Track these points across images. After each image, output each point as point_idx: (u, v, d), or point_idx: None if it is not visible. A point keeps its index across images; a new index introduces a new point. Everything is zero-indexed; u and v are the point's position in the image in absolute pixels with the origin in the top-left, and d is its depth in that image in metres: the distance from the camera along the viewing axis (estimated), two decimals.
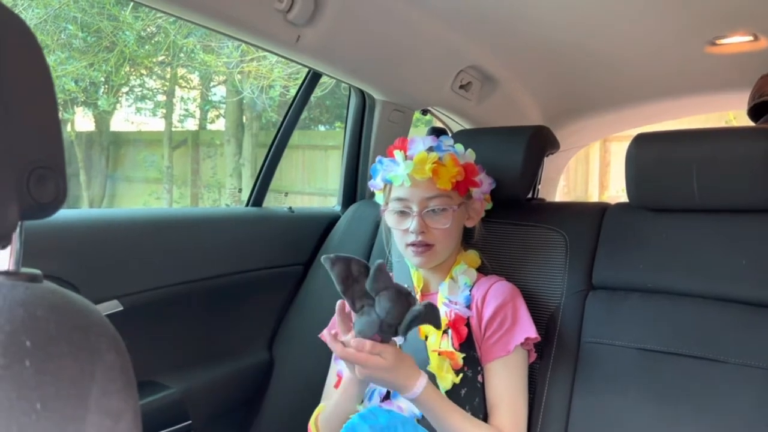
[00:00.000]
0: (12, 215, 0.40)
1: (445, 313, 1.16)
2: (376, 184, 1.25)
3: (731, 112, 4.29)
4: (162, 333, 1.34)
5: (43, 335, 0.37)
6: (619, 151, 5.57)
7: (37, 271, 0.43)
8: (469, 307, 1.17)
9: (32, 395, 0.34)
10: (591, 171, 5.94)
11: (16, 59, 0.41)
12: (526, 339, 1.12)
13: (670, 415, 1.07)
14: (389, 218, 1.22)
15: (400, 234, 1.20)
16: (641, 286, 1.20)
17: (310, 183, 6.22)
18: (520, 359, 1.14)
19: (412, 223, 1.16)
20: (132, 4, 4.50)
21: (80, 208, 5.07)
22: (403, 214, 1.19)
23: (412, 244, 1.17)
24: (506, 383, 1.11)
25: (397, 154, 1.19)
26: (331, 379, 1.24)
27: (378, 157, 1.24)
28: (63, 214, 1.20)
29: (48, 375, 0.36)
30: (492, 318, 1.14)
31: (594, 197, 5.79)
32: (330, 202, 1.87)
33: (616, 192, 5.64)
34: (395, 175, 1.18)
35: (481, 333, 1.15)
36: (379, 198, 1.27)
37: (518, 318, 1.14)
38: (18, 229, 0.42)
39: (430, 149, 1.19)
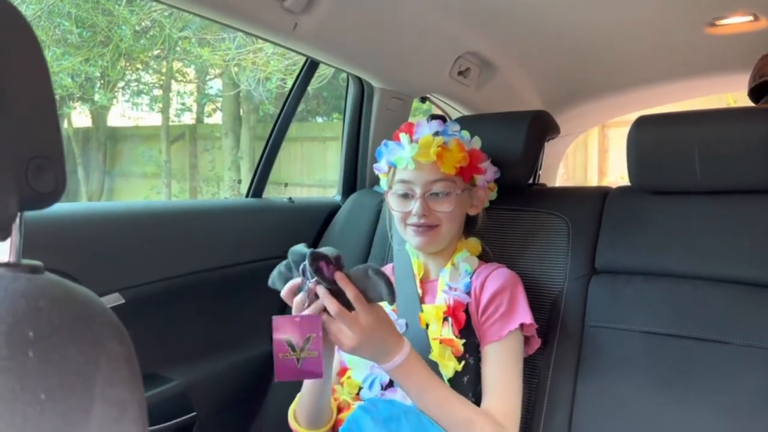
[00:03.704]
0: (11, 206, 0.40)
1: (444, 300, 1.15)
2: (380, 167, 1.25)
3: (731, 96, 4.27)
4: (164, 325, 1.34)
5: (45, 326, 0.36)
6: (617, 137, 5.56)
7: (39, 263, 0.43)
8: (468, 293, 1.16)
9: (36, 386, 0.34)
10: (590, 157, 5.93)
11: (13, 50, 0.41)
12: (521, 325, 1.11)
13: (675, 398, 1.07)
14: (392, 201, 1.22)
15: (402, 216, 1.19)
16: (644, 269, 1.20)
17: (309, 175, 6.22)
18: (514, 344, 1.11)
19: (414, 206, 1.16)
20: None
21: (81, 202, 5.05)
22: (406, 197, 1.18)
23: (413, 224, 1.16)
24: (497, 367, 1.09)
25: (403, 137, 1.19)
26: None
27: (384, 141, 1.24)
28: (63, 207, 1.19)
29: (52, 366, 0.35)
30: (488, 303, 1.13)
31: (593, 184, 5.79)
32: (329, 193, 1.87)
33: (615, 178, 5.64)
34: (400, 158, 1.18)
35: (479, 319, 1.14)
36: (382, 184, 1.27)
37: (514, 304, 1.12)
38: (18, 220, 0.42)
39: (436, 133, 1.19)
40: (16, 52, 0.41)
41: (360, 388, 1.15)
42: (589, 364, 1.17)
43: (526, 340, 1.16)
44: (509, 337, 1.10)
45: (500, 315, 1.11)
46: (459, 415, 1.01)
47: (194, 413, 1.33)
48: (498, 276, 1.17)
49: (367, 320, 0.94)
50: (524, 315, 1.11)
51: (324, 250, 0.95)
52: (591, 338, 1.19)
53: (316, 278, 0.93)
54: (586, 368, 1.17)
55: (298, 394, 1.10)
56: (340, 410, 1.15)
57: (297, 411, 1.10)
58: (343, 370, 1.19)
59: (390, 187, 1.23)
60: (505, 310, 1.11)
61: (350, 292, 0.93)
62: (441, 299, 1.16)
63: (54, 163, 0.42)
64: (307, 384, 1.06)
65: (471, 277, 1.18)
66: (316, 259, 0.93)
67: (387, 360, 0.98)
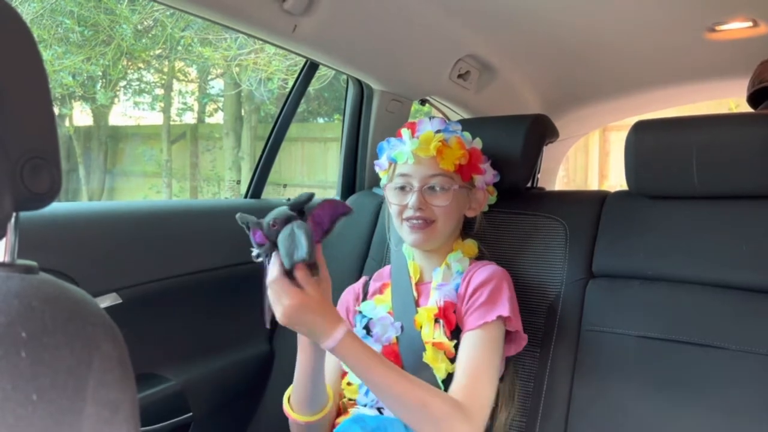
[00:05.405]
0: (6, 206, 0.40)
1: (436, 302, 1.15)
2: (381, 163, 1.26)
3: (732, 100, 4.27)
4: (162, 325, 1.34)
5: (38, 326, 0.36)
6: (618, 141, 5.56)
7: (33, 263, 0.43)
8: (458, 293, 1.16)
9: (28, 386, 0.34)
10: (590, 160, 5.93)
11: (10, 49, 0.41)
12: (501, 318, 1.09)
13: (671, 402, 1.07)
14: (390, 194, 1.22)
15: (399, 210, 1.19)
16: (641, 273, 1.20)
17: (310, 176, 6.21)
18: (492, 335, 1.08)
19: (411, 199, 1.16)
20: None
21: (79, 202, 5.06)
22: (403, 189, 1.19)
23: (410, 219, 1.16)
24: (469, 354, 1.06)
25: (404, 133, 1.20)
26: (329, 363, 1.23)
27: (386, 138, 1.25)
28: (61, 207, 1.20)
29: (44, 366, 0.35)
30: (471, 295, 1.12)
31: (594, 187, 5.78)
32: (330, 194, 1.87)
33: (616, 182, 5.64)
34: (400, 152, 1.19)
35: (462, 313, 1.13)
36: (383, 182, 1.28)
37: (495, 297, 1.10)
38: (13, 220, 0.42)
39: (438, 131, 1.20)
40: (13, 51, 0.41)
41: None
42: (585, 368, 1.17)
43: (511, 336, 1.14)
44: (486, 327, 1.08)
45: (479, 305, 1.10)
46: (410, 397, 0.96)
47: (191, 413, 1.33)
48: (484, 270, 1.16)
49: (312, 292, 0.94)
50: (503, 308, 1.08)
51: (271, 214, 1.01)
52: (588, 342, 1.19)
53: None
54: (583, 372, 1.17)
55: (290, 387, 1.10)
56: (339, 413, 1.15)
57: (291, 398, 1.09)
58: (344, 374, 1.19)
59: (390, 182, 1.23)
60: (485, 301, 1.10)
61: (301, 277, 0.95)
62: (432, 301, 1.16)
63: (50, 164, 0.43)
64: (299, 372, 1.05)
65: (462, 277, 1.18)
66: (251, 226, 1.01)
67: (323, 340, 0.95)
